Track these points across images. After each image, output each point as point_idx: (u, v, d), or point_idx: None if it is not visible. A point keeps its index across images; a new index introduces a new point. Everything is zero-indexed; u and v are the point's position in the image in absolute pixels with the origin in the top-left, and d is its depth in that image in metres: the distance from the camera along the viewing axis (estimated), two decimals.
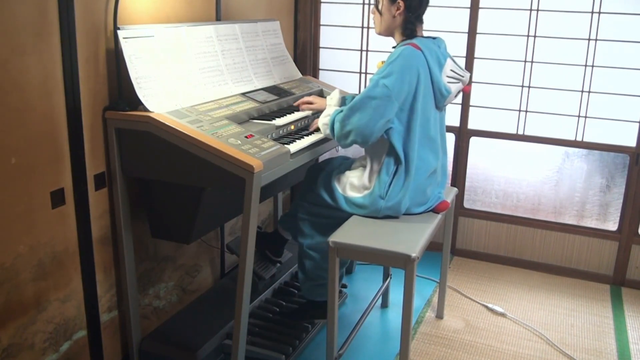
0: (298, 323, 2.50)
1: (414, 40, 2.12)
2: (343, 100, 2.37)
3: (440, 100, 2.18)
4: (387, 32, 2.23)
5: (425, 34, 2.23)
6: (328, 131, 2.20)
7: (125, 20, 2.04)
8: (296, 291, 2.76)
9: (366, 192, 2.19)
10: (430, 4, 2.11)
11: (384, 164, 2.16)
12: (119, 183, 2.04)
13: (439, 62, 2.14)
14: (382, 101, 2.04)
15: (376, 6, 2.22)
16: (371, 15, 2.47)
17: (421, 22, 2.21)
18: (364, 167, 2.24)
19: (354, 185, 2.23)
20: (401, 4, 2.14)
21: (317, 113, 2.46)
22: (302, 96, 2.66)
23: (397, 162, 2.15)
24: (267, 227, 3.26)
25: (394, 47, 2.21)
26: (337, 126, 2.13)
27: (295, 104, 2.51)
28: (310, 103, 2.48)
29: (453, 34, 3.19)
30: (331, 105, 2.34)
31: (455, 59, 2.25)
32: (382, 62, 2.20)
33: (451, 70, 2.18)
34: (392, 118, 2.08)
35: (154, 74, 2.03)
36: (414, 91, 2.08)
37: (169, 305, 2.50)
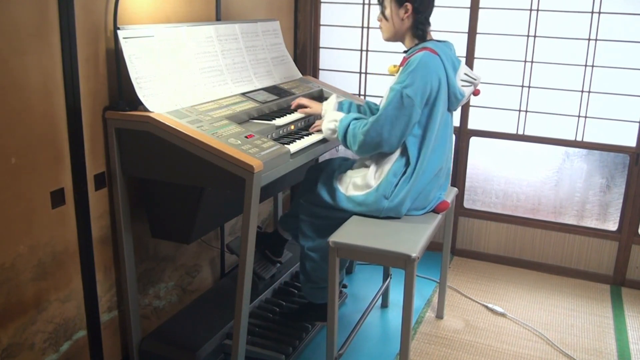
0: (298, 323, 2.51)
1: (430, 45, 2.10)
2: (340, 106, 2.36)
3: (454, 103, 2.19)
4: (396, 38, 2.20)
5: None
6: (335, 136, 2.21)
7: (125, 20, 2.04)
8: (296, 291, 2.76)
9: (369, 190, 2.18)
10: None
11: (393, 165, 2.15)
12: (119, 183, 2.04)
13: (454, 66, 2.14)
14: (408, 111, 2.04)
15: (382, 12, 2.19)
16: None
17: (429, 23, 2.19)
18: (367, 166, 2.24)
19: (357, 184, 2.22)
20: (409, 6, 2.11)
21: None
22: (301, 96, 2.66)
23: (408, 164, 2.15)
24: (267, 227, 3.26)
25: (405, 52, 2.20)
26: (360, 138, 2.11)
27: (292, 106, 2.47)
28: (305, 106, 2.44)
29: (453, 34, 3.19)
30: (329, 110, 2.33)
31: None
32: (394, 65, 2.18)
33: (465, 74, 2.18)
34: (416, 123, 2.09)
35: (154, 74, 2.03)
36: (435, 97, 2.08)
37: (169, 305, 2.50)
